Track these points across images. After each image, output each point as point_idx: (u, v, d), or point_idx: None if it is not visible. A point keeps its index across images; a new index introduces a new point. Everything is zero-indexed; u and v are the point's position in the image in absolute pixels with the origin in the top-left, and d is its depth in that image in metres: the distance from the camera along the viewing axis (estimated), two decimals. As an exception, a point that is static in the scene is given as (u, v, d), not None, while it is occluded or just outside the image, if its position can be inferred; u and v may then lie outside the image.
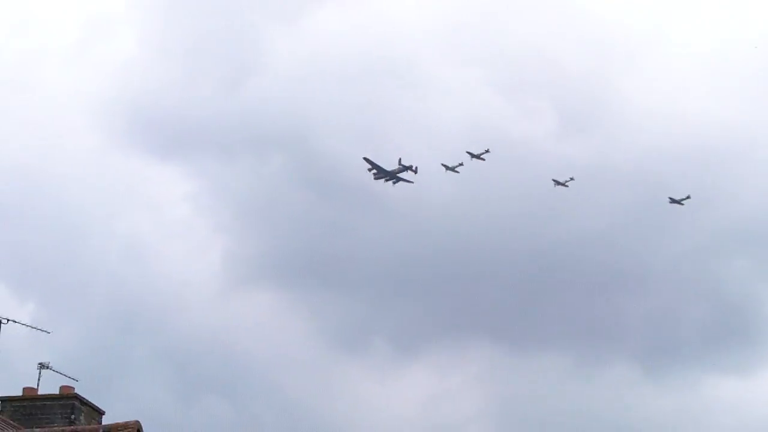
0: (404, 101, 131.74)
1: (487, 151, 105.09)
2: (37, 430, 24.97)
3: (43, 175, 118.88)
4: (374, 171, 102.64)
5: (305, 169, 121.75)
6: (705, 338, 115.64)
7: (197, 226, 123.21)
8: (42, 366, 28.29)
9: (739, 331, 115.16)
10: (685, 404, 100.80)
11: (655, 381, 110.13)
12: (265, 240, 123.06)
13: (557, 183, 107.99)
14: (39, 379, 28.09)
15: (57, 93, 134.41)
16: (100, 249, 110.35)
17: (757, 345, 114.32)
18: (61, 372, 28.28)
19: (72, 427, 25.09)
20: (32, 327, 30.06)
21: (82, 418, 25.94)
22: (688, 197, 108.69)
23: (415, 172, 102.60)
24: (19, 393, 26.90)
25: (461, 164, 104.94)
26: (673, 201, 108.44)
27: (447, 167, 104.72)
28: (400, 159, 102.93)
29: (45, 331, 30.37)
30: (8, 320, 28.79)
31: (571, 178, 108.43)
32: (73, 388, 26.71)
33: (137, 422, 24.73)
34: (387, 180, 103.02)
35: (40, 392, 27.20)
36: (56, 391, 26.68)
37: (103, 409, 27.01)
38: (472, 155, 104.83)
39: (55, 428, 25.26)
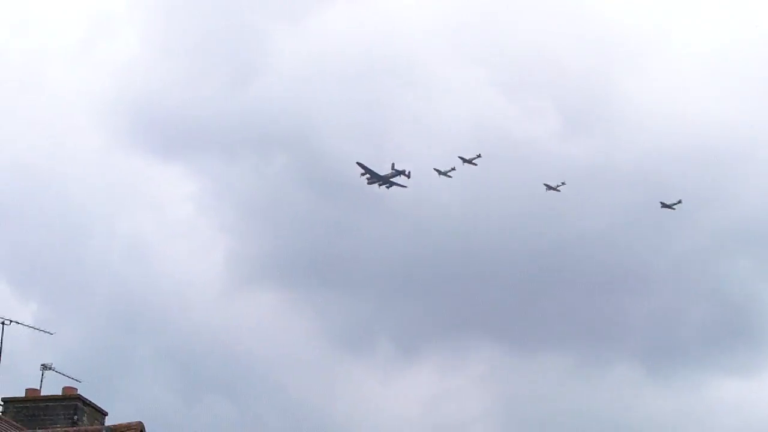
0: (408, 101, 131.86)
1: (478, 156, 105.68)
2: (40, 431, 24.99)
3: (46, 174, 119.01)
4: (367, 176, 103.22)
5: (309, 169, 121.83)
6: (707, 339, 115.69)
7: (200, 226, 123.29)
8: (45, 367, 28.27)
9: (741, 331, 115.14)
10: (687, 405, 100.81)
11: (657, 381, 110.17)
12: (268, 240, 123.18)
13: (549, 187, 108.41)
14: (42, 380, 28.07)
15: (60, 93, 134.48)
16: (103, 249, 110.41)
17: (760, 345, 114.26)
18: (64, 373, 28.29)
19: (75, 428, 25.10)
20: (35, 328, 30.08)
21: (85, 419, 25.91)
22: (679, 202, 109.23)
23: (408, 176, 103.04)
24: (22, 394, 26.84)
25: (453, 169, 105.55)
26: (664, 206, 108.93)
27: (440, 172, 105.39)
28: (393, 164, 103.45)
29: (48, 332, 30.40)
30: (11, 321, 28.82)
31: (563, 183, 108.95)
32: (76, 389, 26.66)
33: (140, 423, 24.73)
34: (380, 185, 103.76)
35: (42, 393, 27.13)
36: (59, 392, 26.61)
37: (106, 409, 27.01)
38: (464, 160, 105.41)
39: (58, 429, 25.26)
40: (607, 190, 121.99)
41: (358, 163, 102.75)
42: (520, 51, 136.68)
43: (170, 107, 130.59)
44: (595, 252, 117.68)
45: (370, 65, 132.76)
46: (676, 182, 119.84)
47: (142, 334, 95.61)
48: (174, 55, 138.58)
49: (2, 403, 26.77)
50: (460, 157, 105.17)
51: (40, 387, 27.74)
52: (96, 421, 25.97)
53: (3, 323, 28.61)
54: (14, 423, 25.22)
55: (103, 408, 26.80)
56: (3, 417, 25.73)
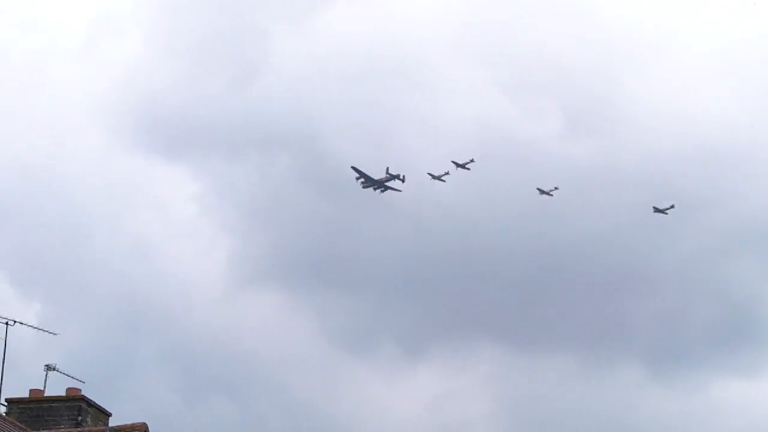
0: (410, 101, 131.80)
1: (471, 161, 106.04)
2: (44, 431, 24.98)
3: (49, 174, 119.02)
4: (362, 180, 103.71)
5: (312, 170, 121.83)
6: (712, 339, 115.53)
7: (203, 226, 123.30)
8: (48, 368, 28.26)
9: (746, 332, 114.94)
10: (691, 405, 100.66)
11: (661, 382, 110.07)
12: (272, 240, 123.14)
13: (542, 192, 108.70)
14: (45, 381, 28.06)
15: (63, 92, 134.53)
16: (106, 249, 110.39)
17: (764, 346, 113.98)
18: (68, 374, 28.29)
19: (79, 428, 25.09)
20: (39, 329, 30.08)
21: (89, 419, 25.87)
22: (672, 206, 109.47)
23: (403, 180, 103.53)
24: (26, 395, 26.84)
25: (447, 173, 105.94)
26: (657, 210, 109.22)
27: (433, 176, 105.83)
28: (387, 168, 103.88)
29: (52, 333, 30.39)
30: (15, 322, 28.81)
31: (556, 188, 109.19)
32: (80, 390, 26.61)
33: (144, 424, 24.70)
34: (375, 189, 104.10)
35: (46, 394, 27.10)
36: (63, 393, 26.57)
37: (110, 410, 27.01)
38: (458, 165, 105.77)
39: (62, 430, 25.25)
40: (610, 190, 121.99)
41: (352, 168, 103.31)
42: (523, 51, 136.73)
43: (173, 107, 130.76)
44: (598, 252, 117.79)
45: (372, 65, 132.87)
46: (680, 182, 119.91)
47: (146, 335, 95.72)
48: (177, 55, 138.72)
49: (6, 404, 26.73)
50: (453, 162, 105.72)
51: (44, 388, 27.70)
52: (100, 422, 25.93)
53: (7, 324, 28.60)
54: (18, 424, 25.18)
55: (107, 409, 26.80)
56: (7, 418, 25.71)
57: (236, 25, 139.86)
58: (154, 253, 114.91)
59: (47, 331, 30.32)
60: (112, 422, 26.17)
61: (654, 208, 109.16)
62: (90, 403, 26.15)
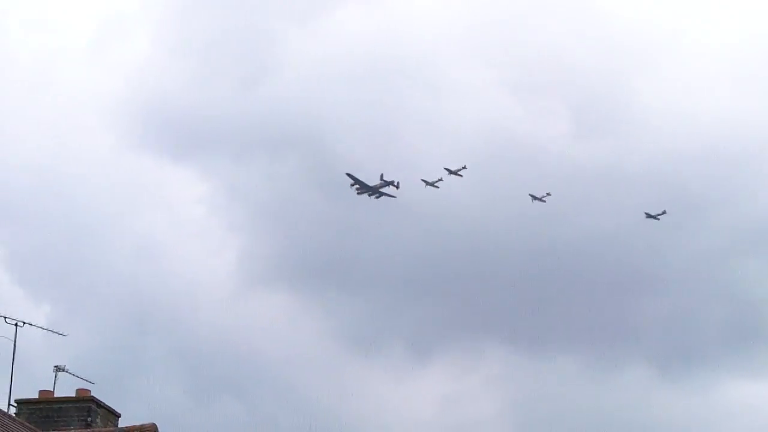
0: (419, 102, 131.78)
1: (464, 167, 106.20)
2: (54, 432, 25.05)
3: (58, 175, 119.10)
4: (357, 186, 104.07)
5: (320, 170, 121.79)
6: (722, 340, 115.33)
7: (211, 226, 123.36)
8: (58, 369, 28.28)
9: (755, 333, 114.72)
10: (700, 406, 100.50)
11: (670, 383, 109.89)
12: (280, 240, 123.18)
13: (534, 198, 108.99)
14: (55, 382, 28.08)
15: (71, 93, 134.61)
16: (115, 250, 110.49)
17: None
18: (77, 375, 28.32)
19: (89, 429, 25.12)
20: (48, 330, 30.11)
21: (98, 420, 25.86)
22: (663, 212, 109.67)
23: (397, 187, 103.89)
24: (36, 396, 26.87)
25: (440, 179, 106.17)
26: (649, 216, 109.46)
27: (426, 182, 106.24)
28: (382, 174, 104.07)
29: (61, 334, 30.42)
30: (24, 323, 28.84)
31: (548, 194, 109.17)
32: (90, 391, 26.62)
33: (153, 425, 24.71)
34: (370, 195, 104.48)
35: (56, 395, 27.13)
36: (72, 394, 26.57)
37: (119, 411, 27.04)
38: (450, 171, 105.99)
39: (71, 431, 25.29)
40: (618, 190, 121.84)
41: (347, 174, 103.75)
42: (530, 52, 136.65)
43: (181, 108, 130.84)
44: (607, 253, 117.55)
45: (380, 66, 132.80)
46: (689, 182, 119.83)
47: (155, 335, 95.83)
48: (185, 56, 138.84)
49: (16, 405, 26.75)
50: (446, 169, 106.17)
51: (54, 389, 27.72)
52: (109, 423, 25.93)
53: (16, 325, 28.61)
54: (28, 425, 25.18)
55: (116, 409, 26.83)
56: (17, 419, 25.75)
57: (244, 26, 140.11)
58: (162, 254, 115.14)
59: (56, 332, 30.33)
60: (122, 423, 26.18)
61: (646, 214, 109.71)
62: (99, 404, 26.15)
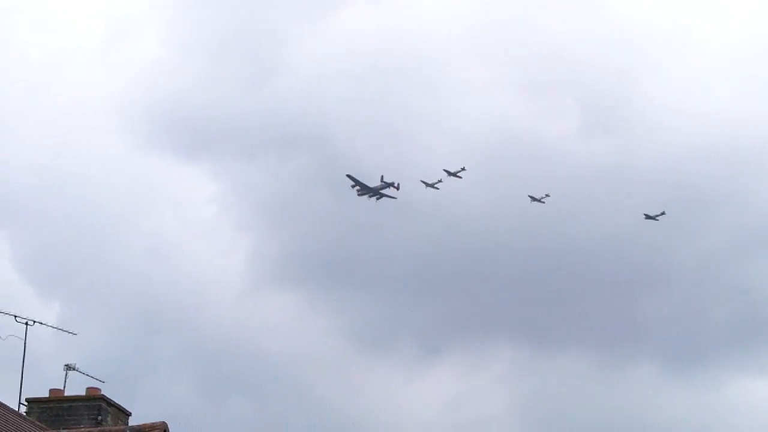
0: (425, 101, 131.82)
1: (463, 169, 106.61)
2: (64, 431, 24.97)
3: (68, 175, 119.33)
4: (357, 188, 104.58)
5: (328, 169, 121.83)
6: (729, 338, 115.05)
7: (221, 226, 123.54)
8: (68, 367, 28.25)
9: (763, 330, 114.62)
10: (708, 404, 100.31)
11: (678, 381, 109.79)
12: (290, 239, 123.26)
13: (533, 199, 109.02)
14: (65, 381, 28.05)
15: (81, 93, 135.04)
16: (125, 249, 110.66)
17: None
18: (88, 373, 28.28)
19: (99, 428, 25.07)
20: (58, 328, 30.08)
21: (109, 419, 25.81)
22: (662, 213, 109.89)
23: (397, 188, 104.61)
24: (46, 395, 26.79)
25: (440, 181, 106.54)
26: (648, 217, 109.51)
27: (426, 184, 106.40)
28: (382, 176, 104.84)
29: (71, 333, 30.39)
30: (34, 322, 28.81)
31: (547, 195, 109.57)
32: (100, 390, 26.55)
33: (164, 423, 24.64)
34: (370, 196, 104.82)
35: (66, 394, 27.09)
36: (83, 393, 26.49)
37: (130, 410, 27.01)
38: (449, 173, 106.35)
39: (82, 429, 25.25)
40: (626, 188, 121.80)
41: (348, 176, 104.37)
42: (538, 50, 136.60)
43: (191, 108, 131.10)
44: (615, 251, 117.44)
45: (387, 66, 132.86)
46: (696, 181, 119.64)
47: (165, 334, 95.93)
48: (194, 56, 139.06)
49: (26, 404, 26.73)
50: (445, 170, 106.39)
51: (64, 387, 27.66)
52: (120, 422, 25.87)
53: (26, 324, 28.56)
54: (38, 423, 25.16)
55: (126, 408, 26.80)
56: (27, 417, 25.73)
57: (252, 26, 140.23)
58: (172, 253, 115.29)
59: (66, 331, 30.29)
60: (132, 422, 26.10)
61: (645, 215, 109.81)
62: (110, 403, 26.07)
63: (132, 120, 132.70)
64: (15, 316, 28.67)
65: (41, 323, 28.87)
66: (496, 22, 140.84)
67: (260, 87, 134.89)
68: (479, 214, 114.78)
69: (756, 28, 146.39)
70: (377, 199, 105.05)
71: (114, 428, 24.98)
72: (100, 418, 25.56)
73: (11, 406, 25.80)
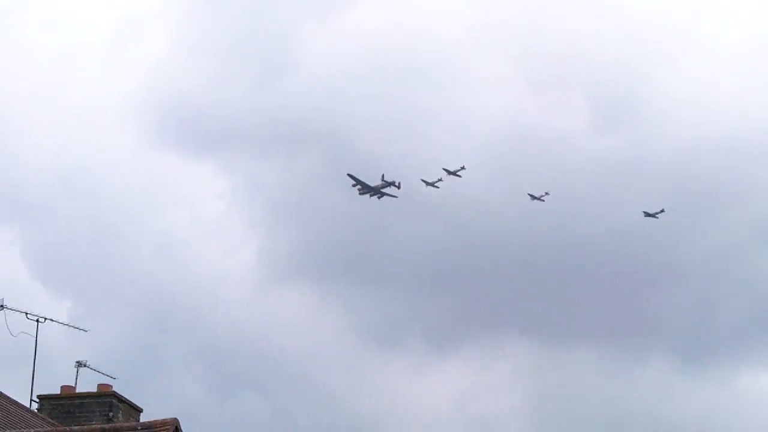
0: (436, 98, 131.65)
1: (462, 168, 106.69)
2: (75, 427, 25.01)
3: (77, 174, 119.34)
4: (359, 187, 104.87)
5: (338, 166, 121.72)
6: (743, 331, 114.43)
7: (232, 223, 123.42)
8: (80, 364, 28.30)
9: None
10: (722, 398, 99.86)
11: (691, 375, 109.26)
12: (300, 236, 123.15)
13: (533, 197, 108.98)
14: (77, 378, 28.11)
15: (90, 92, 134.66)
16: (135, 247, 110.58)
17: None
18: (99, 370, 28.33)
19: (110, 424, 25.10)
20: (69, 325, 30.15)
21: (120, 415, 25.78)
22: (662, 211, 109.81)
23: (399, 187, 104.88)
24: (58, 391, 26.85)
25: (440, 180, 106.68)
26: (647, 215, 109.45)
27: (426, 183, 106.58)
28: (383, 175, 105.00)
29: (82, 330, 30.46)
30: (45, 319, 28.86)
31: (547, 193, 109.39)
32: (111, 386, 26.58)
33: (175, 419, 24.65)
34: (372, 195, 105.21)
35: (78, 390, 27.13)
36: (94, 389, 26.54)
37: (141, 406, 27.03)
38: (449, 172, 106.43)
39: (93, 426, 25.28)
40: (638, 182, 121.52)
41: (349, 175, 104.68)
42: (549, 45, 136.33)
43: (200, 105, 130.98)
44: (628, 245, 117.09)
45: (397, 63, 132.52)
46: (709, 174, 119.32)
47: (175, 331, 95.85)
48: (203, 53, 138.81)
49: (38, 401, 26.79)
50: (445, 169, 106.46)
51: (75, 384, 27.73)
52: (131, 418, 25.86)
53: (38, 321, 28.68)
54: (50, 420, 25.21)
55: (138, 405, 26.81)
56: (39, 414, 25.77)
57: (262, 23, 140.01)
58: (182, 251, 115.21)
59: (78, 328, 30.39)
60: (143, 418, 26.10)
61: (644, 213, 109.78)
62: (121, 399, 26.08)
63: (142, 118, 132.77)
64: (26, 314, 28.77)
65: (52, 320, 28.98)
66: (505, 17, 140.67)
67: (270, 84, 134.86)
68: (489, 210, 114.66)
69: (766, 22, 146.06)
70: (378, 198, 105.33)
71: (125, 425, 24.98)
72: (111, 414, 25.59)
73: (23, 403, 25.86)
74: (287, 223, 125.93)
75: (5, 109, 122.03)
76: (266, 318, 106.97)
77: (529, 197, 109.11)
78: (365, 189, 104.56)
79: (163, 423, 23.91)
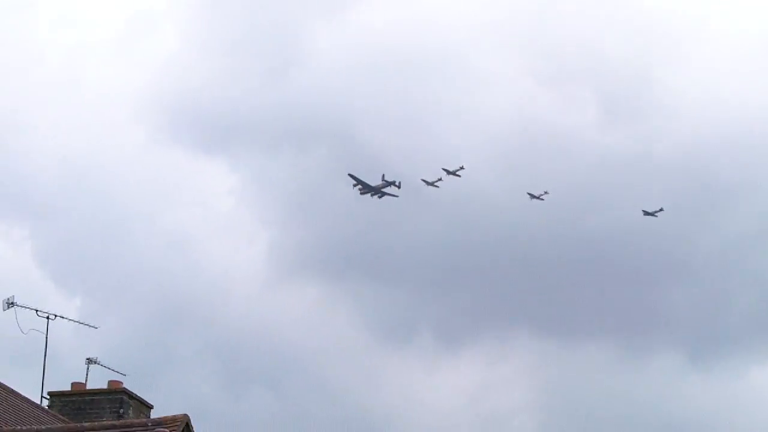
0: (446, 93, 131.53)
1: (461, 168, 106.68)
2: (86, 424, 25.03)
3: (88, 170, 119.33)
4: (359, 186, 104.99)
5: (349, 161, 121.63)
6: (753, 326, 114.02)
7: (242, 219, 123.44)
8: (90, 361, 28.32)
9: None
10: (732, 393, 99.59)
11: (702, 370, 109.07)
12: (310, 232, 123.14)
13: (532, 196, 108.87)
14: (87, 374, 28.12)
15: (100, 89, 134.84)
16: (145, 244, 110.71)
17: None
18: (109, 366, 28.35)
19: (120, 420, 25.11)
20: (80, 322, 30.18)
21: (130, 412, 25.78)
22: (661, 209, 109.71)
23: (399, 187, 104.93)
24: (68, 388, 26.88)
25: (440, 179, 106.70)
26: (646, 213, 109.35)
27: (426, 182, 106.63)
28: (383, 175, 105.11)
29: (93, 327, 30.48)
30: (56, 316, 28.88)
31: (546, 192, 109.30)
32: (122, 383, 26.56)
33: (186, 416, 24.67)
34: (372, 195, 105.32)
35: (88, 387, 27.14)
36: (105, 386, 26.54)
37: (152, 403, 27.03)
38: (448, 172, 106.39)
39: (104, 422, 25.29)
40: (647, 177, 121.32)
41: (350, 175, 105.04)
42: (558, 40, 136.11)
43: (210, 102, 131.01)
44: (637, 240, 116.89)
45: (407, 57, 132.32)
46: (719, 168, 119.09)
47: (186, 328, 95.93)
48: (213, 49, 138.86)
49: (48, 397, 26.81)
50: (444, 169, 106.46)
51: (86, 381, 27.74)
52: (142, 414, 25.84)
53: (48, 318, 28.69)
54: (61, 417, 25.22)
55: (148, 401, 26.82)
56: (50, 411, 25.78)
57: (271, 19, 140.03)
58: (193, 247, 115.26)
59: (88, 325, 30.42)
60: (154, 414, 26.08)
61: (643, 211, 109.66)
62: (131, 396, 26.06)
63: (152, 115, 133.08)
64: (37, 311, 28.78)
65: (63, 317, 28.98)
66: (513, 13, 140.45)
67: (280, 80, 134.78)
68: (498, 206, 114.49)
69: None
70: (379, 197, 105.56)
71: (136, 421, 24.98)
72: (122, 411, 25.59)
73: (34, 400, 25.87)
74: (298, 218, 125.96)
75: (16, 106, 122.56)
76: (277, 314, 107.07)
77: (528, 196, 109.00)
78: (366, 189, 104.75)
79: (174, 419, 23.91)
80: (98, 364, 27.91)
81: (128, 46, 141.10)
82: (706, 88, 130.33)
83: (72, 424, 24.31)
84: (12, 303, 28.56)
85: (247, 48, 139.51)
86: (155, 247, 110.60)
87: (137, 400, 26.08)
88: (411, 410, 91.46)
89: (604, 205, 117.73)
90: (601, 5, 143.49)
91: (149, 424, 24.26)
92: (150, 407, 26.60)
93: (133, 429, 21.19)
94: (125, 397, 25.76)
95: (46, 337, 28.33)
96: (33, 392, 26.52)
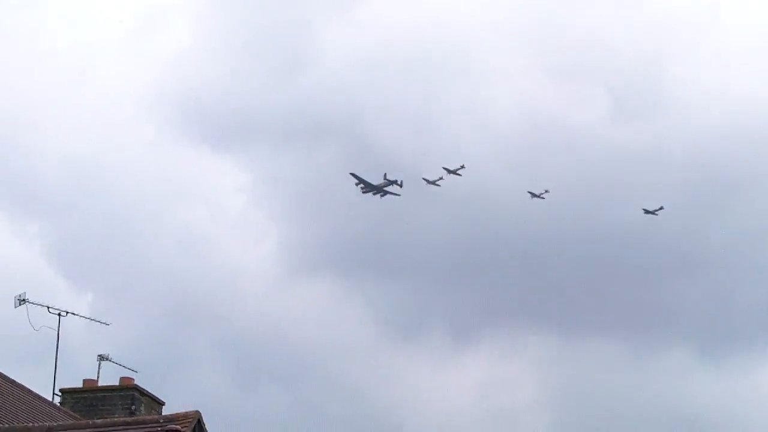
0: (457, 89, 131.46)
1: (462, 167, 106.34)
2: (98, 420, 25.02)
3: (99, 167, 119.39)
4: (361, 186, 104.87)
5: (359, 158, 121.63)
6: (762, 321, 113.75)
7: (252, 216, 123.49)
8: (102, 358, 28.31)
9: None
10: (742, 389, 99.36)
11: (712, 366, 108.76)
12: (321, 229, 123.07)
13: (533, 195, 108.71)
14: (99, 371, 28.13)
15: (110, 85, 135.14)
16: (156, 241, 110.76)
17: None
18: (121, 363, 28.35)
19: (133, 417, 25.11)
20: (91, 319, 30.18)
21: (142, 408, 25.73)
22: (661, 208, 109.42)
23: (401, 186, 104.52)
24: (80, 385, 26.87)
25: (441, 178, 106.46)
26: (647, 212, 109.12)
27: (428, 181, 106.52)
28: (385, 174, 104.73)
29: (104, 323, 30.49)
30: (67, 313, 28.90)
31: (546, 191, 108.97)
32: (133, 379, 26.55)
33: (197, 412, 24.65)
34: (374, 194, 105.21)
35: (100, 384, 27.15)
36: (116, 383, 26.51)
37: (163, 399, 27.02)
38: (449, 171, 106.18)
39: (115, 419, 25.29)
40: (658, 172, 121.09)
41: (351, 174, 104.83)
42: (569, 35, 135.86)
43: (220, 99, 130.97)
44: (647, 235, 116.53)
45: (418, 54, 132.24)
46: (729, 162, 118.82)
47: (197, 325, 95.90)
48: (223, 46, 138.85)
49: (60, 394, 26.81)
50: (445, 168, 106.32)
51: (98, 377, 27.74)
52: (153, 411, 25.80)
53: (59, 315, 28.71)
54: (72, 413, 25.22)
55: (160, 398, 26.81)
56: (61, 407, 25.79)
57: (282, 16, 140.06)
58: (203, 244, 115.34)
59: (99, 322, 30.42)
60: (165, 411, 26.06)
61: (644, 210, 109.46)
62: (143, 393, 26.03)
63: (162, 112, 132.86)
64: (48, 308, 28.80)
65: (74, 314, 28.99)
66: (524, 8, 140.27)
67: (290, 77, 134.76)
68: (508, 201, 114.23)
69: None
70: (381, 196, 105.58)
71: (147, 418, 24.96)
72: (133, 407, 25.56)
73: (45, 397, 25.88)
74: (307, 215, 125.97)
75: (25, 103, 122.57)
76: (287, 311, 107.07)
77: (529, 195, 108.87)
78: (368, 188, 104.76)
79: (185, 416, 23.88)
80: (110, 360, 27.92)
81: (138, 43, 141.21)
82: (716, 83, 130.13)
83: (84, 421, 24.29)
84: (23, 300, 28.57)
85: (258, 45, 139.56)
86: (166, 245, 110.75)
87: (149, 396, 26.05)
88: (421, 406, 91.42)
89: (614, 201, 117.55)
90: (611, 1, 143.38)
91: (161, 420, 24.22)
92: (162, 404, 26.58)
93: (145, 426, 21.15)
94: (137, 394, 25.72)
95: (58, 334, 28.34)
96: (45, 389, 26.53)
